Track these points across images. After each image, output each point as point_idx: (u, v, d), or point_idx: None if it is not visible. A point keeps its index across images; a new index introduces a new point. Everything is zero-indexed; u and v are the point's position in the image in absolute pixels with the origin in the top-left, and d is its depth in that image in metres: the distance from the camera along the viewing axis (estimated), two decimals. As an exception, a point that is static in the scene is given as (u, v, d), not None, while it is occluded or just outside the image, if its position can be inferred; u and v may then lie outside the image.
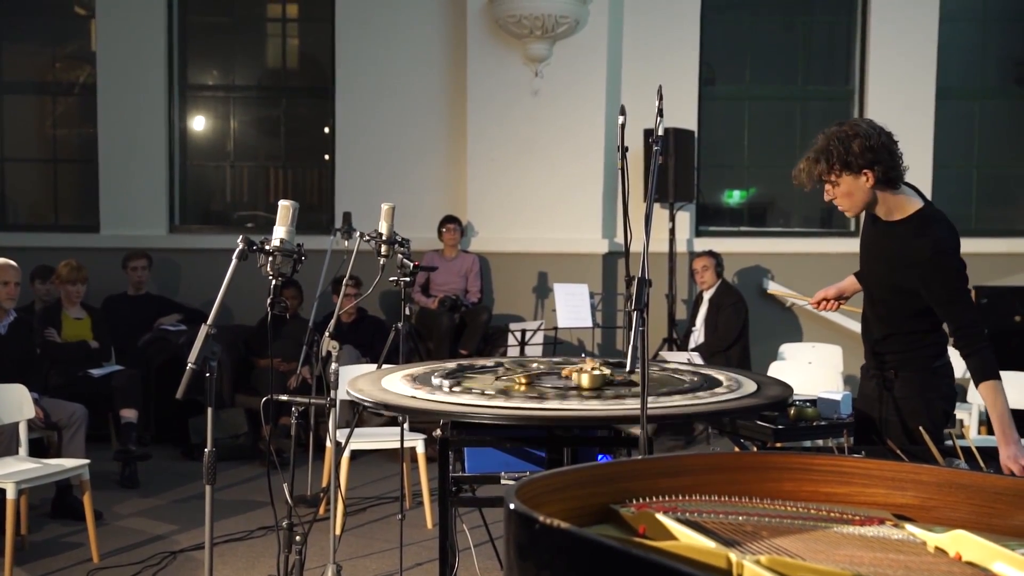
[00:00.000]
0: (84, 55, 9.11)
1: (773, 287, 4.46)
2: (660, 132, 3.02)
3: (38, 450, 5.75)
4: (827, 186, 3.25)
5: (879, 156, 3.17)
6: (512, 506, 1.55)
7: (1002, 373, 5.87)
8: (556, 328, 7.43)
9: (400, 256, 4.45)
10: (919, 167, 8.63)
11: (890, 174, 3.20)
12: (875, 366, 3.46)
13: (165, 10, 8.73)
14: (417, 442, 5.66)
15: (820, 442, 4.39)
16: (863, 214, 3.43)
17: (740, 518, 1.81)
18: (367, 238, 4.36)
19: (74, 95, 9.18)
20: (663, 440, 7.55)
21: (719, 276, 7.85)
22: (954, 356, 3.30)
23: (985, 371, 3.11)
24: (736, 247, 8.62)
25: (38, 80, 9.22)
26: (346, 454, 5.47)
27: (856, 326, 5.18)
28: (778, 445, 4.23)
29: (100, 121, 8.73)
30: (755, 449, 4.37)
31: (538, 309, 8.57)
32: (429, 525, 5.52)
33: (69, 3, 9.13)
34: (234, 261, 3.38)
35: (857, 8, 8.86)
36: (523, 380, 3.52)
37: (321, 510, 5.55)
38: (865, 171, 3.18)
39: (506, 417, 3.09)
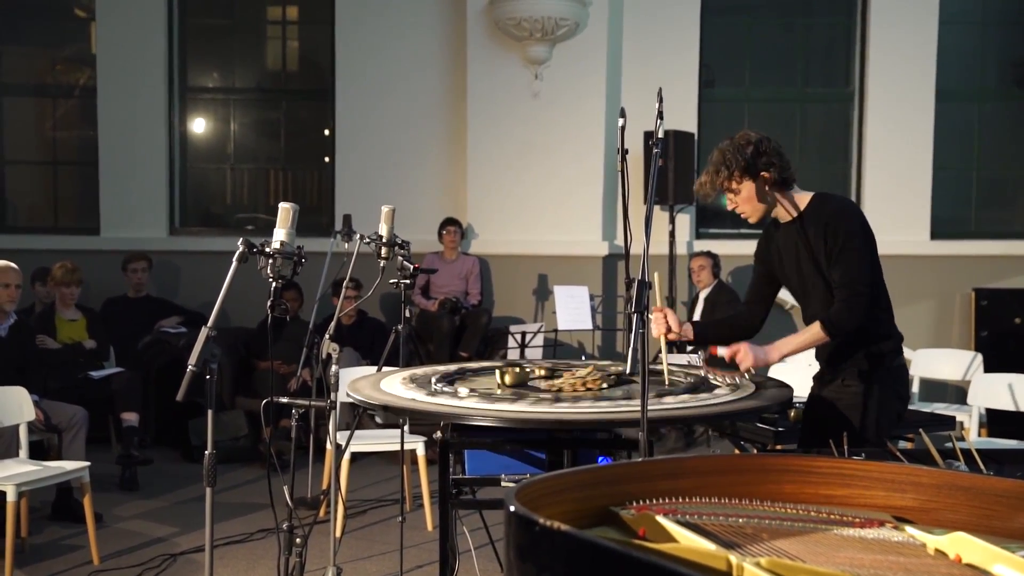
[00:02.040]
0: (84, 57, 9.12)
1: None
2: (660, 134, 3.03)
3: (38, 452, 5.75)
4: (729, 195, 3.51)
5: (772, 159, 3.43)
6: (512, 508, 1.56)
7: (1003, 376, 5.87)
8: (556, 330, 7.43)
9: (400, 258, 4.45)
10: (918, 169, 8.67)
11: (784, 174, 3.46)
12: (831, 369, 3.57)
13: (165, 12, 8.74)
14: (417, 444, 5.66)
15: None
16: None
17: (740, 520, 1.81)
18: (367, 240, 4.36)
19: (74, 97, 9.19)
20: (665, 442, 7.54)
21: (716, 276, 7.86)
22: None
23: (831, 322, 3.38)
24: (736, 249, 8.61)
25: (38, 82, 9.23)
26: (346, 456, 5.47)
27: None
28: (778, 447, 4.23)
29: (100, 123, 8.73)
30: (755, 451, 4.37)
31: (538, 311, 8.57)
32: (429, 527, 5.52)
33: (69, 5, 9.14)
34: (234, 263, 3.38)
35: (857, 10, 8.87)
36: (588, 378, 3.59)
37: (321, 512, 5.54)
38: (762, 173, 3.44)
39: (506, 419, 3.09)
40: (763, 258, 3.74)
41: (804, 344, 3.50)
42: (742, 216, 3.56)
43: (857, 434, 3.32)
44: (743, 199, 3.49)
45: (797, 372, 5.48)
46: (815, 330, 3.41)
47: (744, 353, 3.47)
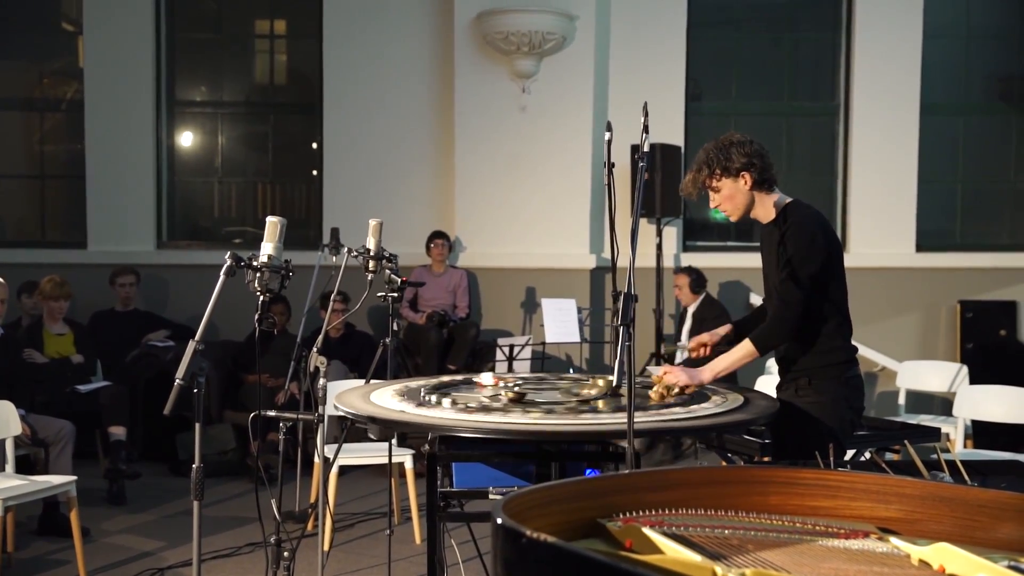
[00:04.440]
0: (72, 71, 9.11)
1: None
2: (646, 148, 3.06)
3: (25, 467, 5.73)
4: (711, 193, 3.60)
5: (753, 160, 3.53)
6: (499, 520, 1.56)
7: (988, 387, 5.90)
8: (544, 343, 7.44)
9: (388, 271, 4.46)
10: (904, 182, 8.72)
11: (764, 175, 3.56)
12: (788, 375, 3.66)
13: (153, 26, 8.74)
14: (405, 457, 5.66)
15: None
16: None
17: (726, 532, 1.82)
18: (355, 254, 4.37)
19: (62, 111, 9.18)
20: (653, 454, 7.55)
21: (696, 292, 7.87)
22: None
23: (761, 338, 3.52)
24: (723, 262, 8.65)
25: (25, 96, 9.21)
26: (334, 470, 5.46)
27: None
28: (765, 459, 4.24)
29: (88, 137, 8.72)
30: (742, 463, 4.38)
31: (526, 324, 8.58)
32: (418, 540, 5.51)
33: (56, 19, 9.13)
34: (222, 277, 3.38)
35: (842, 25, 8.92)
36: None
37: (309, 526, 5.54)
38: (743, 174, 3.54)
39: (494, 432, 3.10)
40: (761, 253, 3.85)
41: (736, 363, 3.56)
42: (723, 213, 3.66)
43: (811, 441, 3.36)
44: (724, 197, 3.59)
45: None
46: (747, 348, 3.52)
47: (675, 373, 3.54)
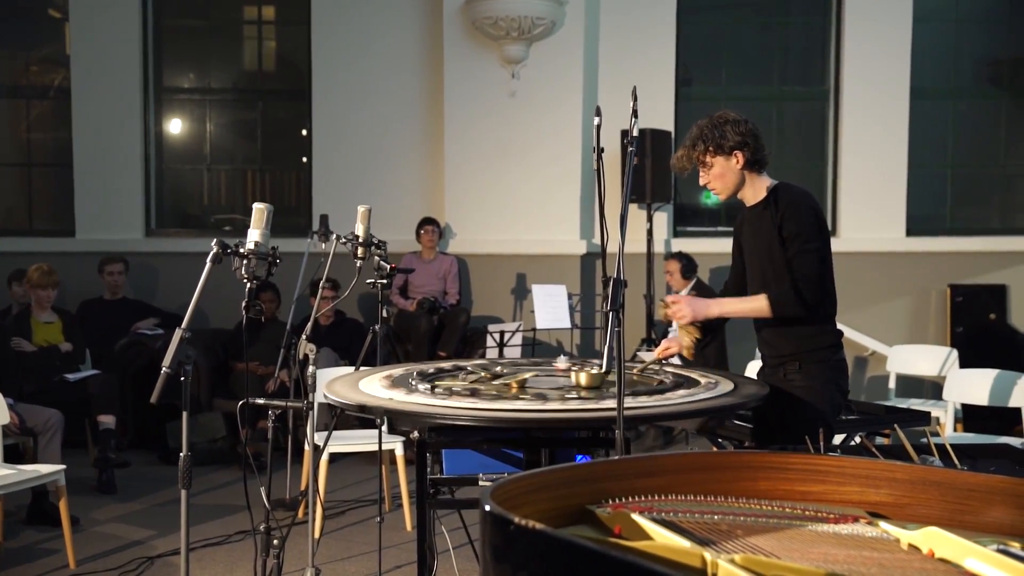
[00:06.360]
0: (58, 58, 9.05)
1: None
2: (635, 133, 3.05)
3: (13, 456, 5.71)
4: (702, 169, 3.61)
5: (747, 139, 3.54)
6: (487, 507, 1.55)
7: (978, 371, 5.92)
8: (535, 329, 7.43)
9: (377, 258, 4.44)
10: (894, 166, 8.72)
11: (757, 156, 3.58)
12: (775, 360, 3.67)
13: (140, 13, 8.69)
14: (396, 445, 5.65)
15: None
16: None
17: (715, 517, 1.82)
18: (344, 240, 4.35)
19: (48, 99, 9.12)
20: (643, 440, 7.56)
21: (687, 278, 7.86)
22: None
23: (779, 302, 3.49)
24: (714, 247, 8.64)
25: (12, 84, 9.15)
26: (324, 457, 5.45)
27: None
28: (746, 444, 4.24)
29: (75, 125, 8.67)
30: (732, 448, 4.39)
31: (517, 310, 8.57)
32: (408, 528, 5.51)
33: (43, 6, 9.07)
34: (208, 265, 3.36)
35: (832, 9, 8.91)
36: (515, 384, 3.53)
37: (299, 514, 5.54)
38: (736, 153, 3.55)
39: (484, 419, 3.09)
40: (737, 236, 3.86)
41: (744, 311, 3.59)
42: (712, 191, 3.66)
43: (801, 425, 3.36)
44: (715, 175, 3.60)
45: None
46: (760, 302, 3.53)
47: (683, 306, 3.56)
